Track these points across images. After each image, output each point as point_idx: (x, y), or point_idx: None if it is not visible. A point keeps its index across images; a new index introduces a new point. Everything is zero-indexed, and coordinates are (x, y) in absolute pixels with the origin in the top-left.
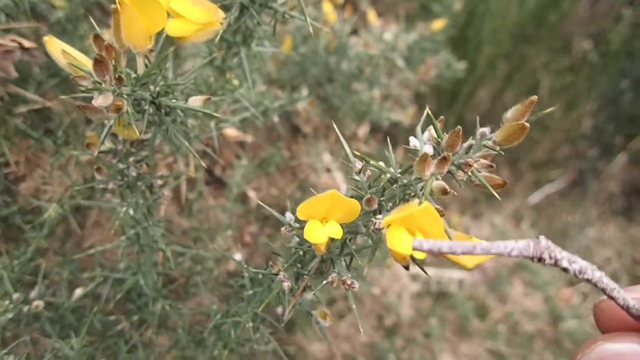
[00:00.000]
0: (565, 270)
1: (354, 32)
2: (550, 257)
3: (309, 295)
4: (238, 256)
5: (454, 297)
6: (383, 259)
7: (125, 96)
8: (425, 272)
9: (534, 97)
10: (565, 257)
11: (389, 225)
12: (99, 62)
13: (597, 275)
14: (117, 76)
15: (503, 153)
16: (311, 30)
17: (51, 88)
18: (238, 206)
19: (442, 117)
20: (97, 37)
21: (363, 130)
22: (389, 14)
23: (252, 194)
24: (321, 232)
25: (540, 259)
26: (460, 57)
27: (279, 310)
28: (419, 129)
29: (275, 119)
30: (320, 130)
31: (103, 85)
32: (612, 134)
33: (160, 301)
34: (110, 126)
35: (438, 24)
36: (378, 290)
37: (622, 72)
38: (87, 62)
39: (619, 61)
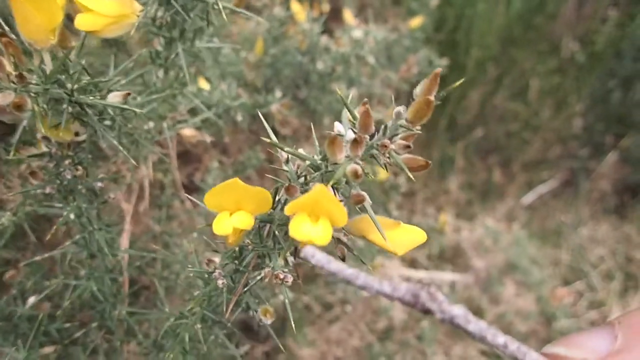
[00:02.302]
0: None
1: (329, 32)
2: (443, 312)
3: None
4: (215, 259)
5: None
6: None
7: (33, 94)
8: (362, 261)
9: (438, 70)
10: (461, 315)
11: (295, 212)
12: None
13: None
14: (17, 73)
15: (420, 131)
16: (225, 18)
17: None
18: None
19: (366, 99)
20: (2, 35)
21: None
22: (378, 18)
23: None
24: (227, 223)
25: (427, 311)
26: (449, 61)
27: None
28: (344, 113)
29: (239, 117)
30: (301, 132)
31: (1, 82)
32: (602, 133)
33: (119, 307)
34: (24, 127)
35: (416, 22)
36: (366, 292)
37: (610, 72)
38: None
39: (606, 61)
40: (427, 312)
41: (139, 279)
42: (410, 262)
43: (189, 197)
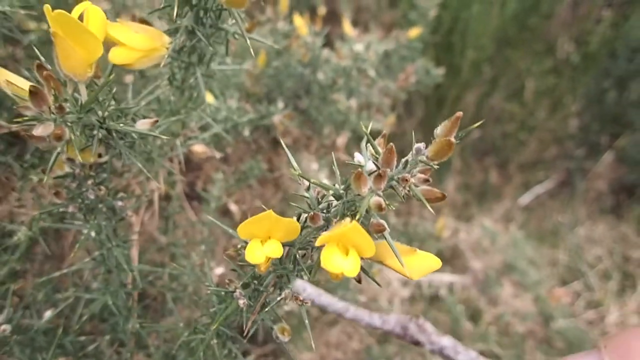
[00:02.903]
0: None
1: (330, 43)
2: (432, 343)
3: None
4: (219, 270)
5: (444, 301)
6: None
7: (69, 124)
8: (377, 283)
9: (459, 113)
10: (449, 346)
11: (325, 243)
12: (34, 94)
13: None
14: (57, 105)
15: (438, 166)
16: (251, 50)
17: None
18: (221, 220)
19: (385, 132)
20: (40, 67)
21: (342, 140)
22: (374, 22)
23: (233, 207)
24: (260, 252)
25: (417, 343)
26: (445, 63)
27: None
28: (363, 144)
29: (246, 132)
30: (301, 142)
31: (43, 115)
32: (597, 133)
33: (131, 320)
34: (58, 153)
35: (414, 32)
36: (364, 297)
37: (604, 72)
38: None
39: (601, 61)
40: (416, 343)
41: (148, 290)
42: None
43: (214, 220)
